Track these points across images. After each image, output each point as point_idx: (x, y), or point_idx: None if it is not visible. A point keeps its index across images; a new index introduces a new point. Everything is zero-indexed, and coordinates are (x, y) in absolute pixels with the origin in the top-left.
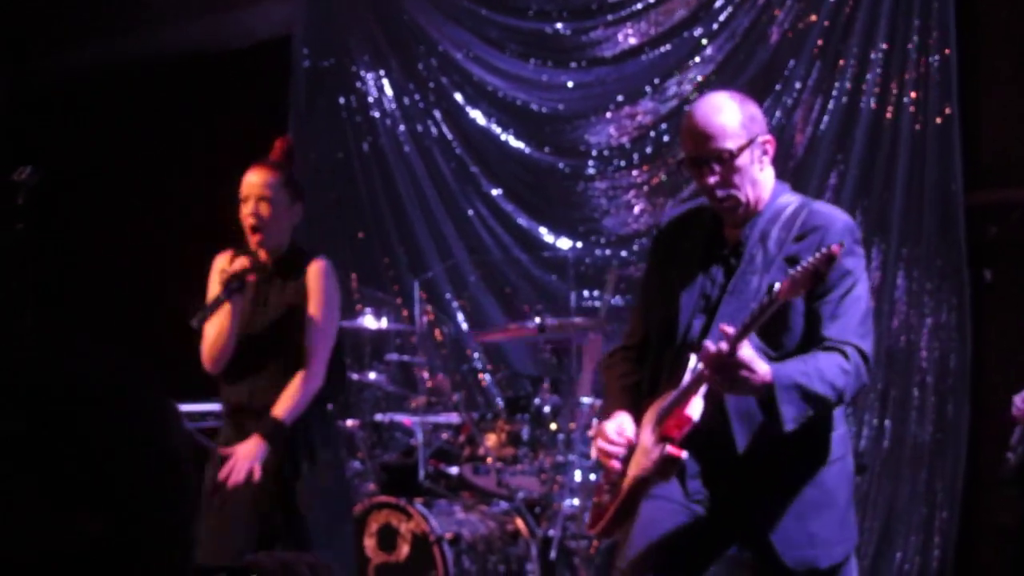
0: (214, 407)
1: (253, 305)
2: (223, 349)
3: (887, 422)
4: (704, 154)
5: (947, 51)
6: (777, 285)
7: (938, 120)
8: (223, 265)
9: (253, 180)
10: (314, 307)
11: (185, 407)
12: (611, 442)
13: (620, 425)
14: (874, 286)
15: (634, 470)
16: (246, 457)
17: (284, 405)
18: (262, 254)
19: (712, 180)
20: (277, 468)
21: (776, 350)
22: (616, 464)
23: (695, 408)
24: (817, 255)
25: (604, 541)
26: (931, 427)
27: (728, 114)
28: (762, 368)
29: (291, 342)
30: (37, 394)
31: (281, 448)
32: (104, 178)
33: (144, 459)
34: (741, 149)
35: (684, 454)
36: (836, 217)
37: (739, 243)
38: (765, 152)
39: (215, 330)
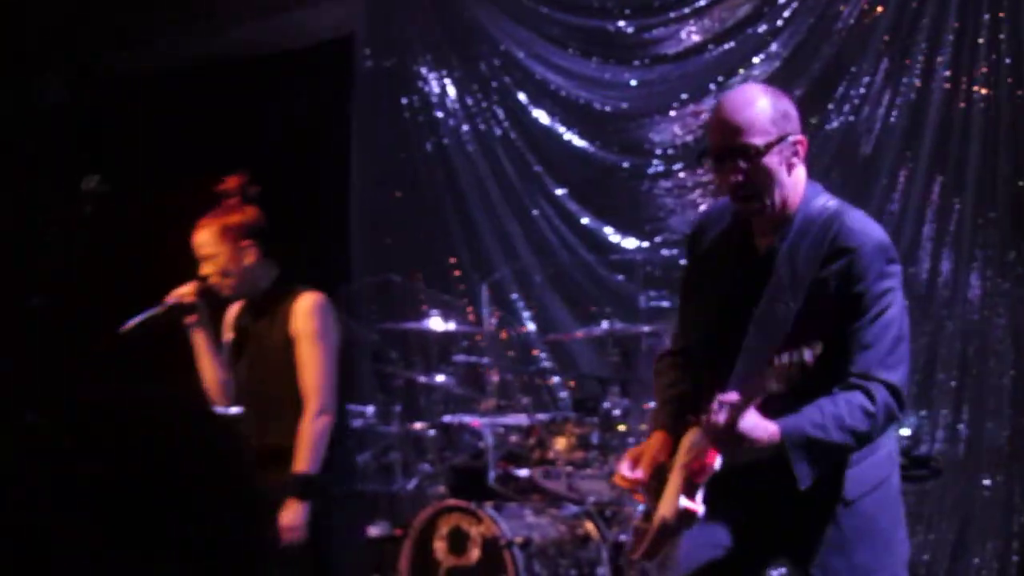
0: None
1: (250, 348)
2: (212, 385)
3: (961, 425)
4: (730, 148)
5: (1018, 44)
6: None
7: (1009, 114)
8: (231, 316)
9: (195, 243)
10: (305, 346)
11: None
12: (625, 479)
13: (637, 459)
14: (948, 285)
15: (662, 509)
16: (292, 528)
17: (303, 456)
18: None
19: (736, 178)
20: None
21: (801, 384)
22: (640, 496)
23: (717, 458)
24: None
25: None
26: (1007, 430)
27: (759, 107)
28: (767, 431)
29: (283, 381)
30: (124, 433)
31: (317, 496)
32: (165, 180)
33: (228, 495)
34: (770, 146)
35: (701, 511)
36: (868, 237)
37: (769, 255)
38: (796, 153)
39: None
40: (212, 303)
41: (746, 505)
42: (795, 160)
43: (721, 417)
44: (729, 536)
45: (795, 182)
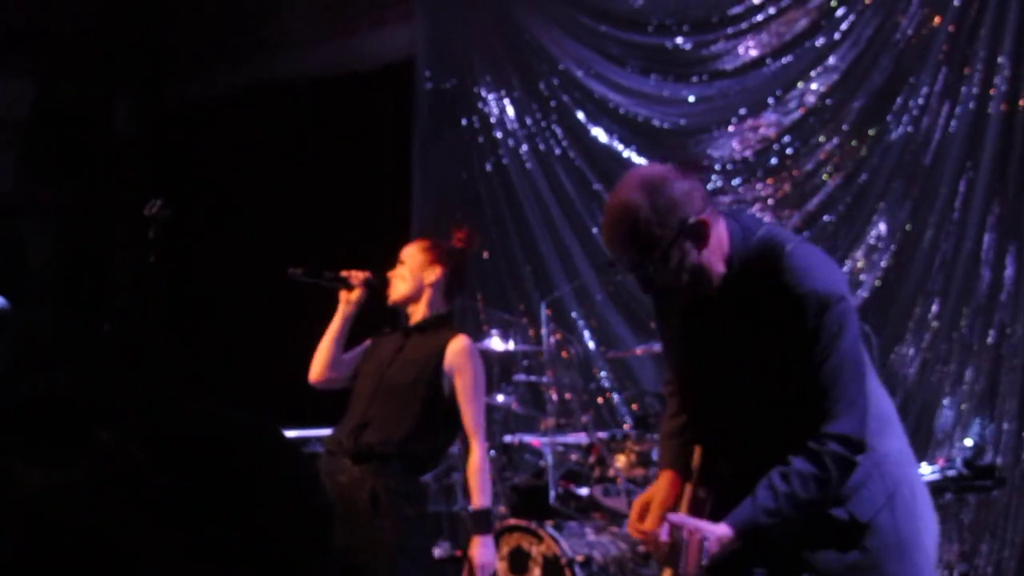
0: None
1: (390, 356)
2: (323, 356)
3: None
4: (632, 265)
5: None
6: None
7: None
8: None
9: (404, 249)
10: (468, 382)
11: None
12: (637, 531)
13: (645, 507)
14: (1010, 293)
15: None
16: (488, 565)
17: (477, 492)
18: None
19: (655, 286)
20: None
21: (762, 416)
22: (650, 547)
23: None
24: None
25: None
26: None
27: (639, 220)
28: (720, 540)
29: (411, 397)
30: (192, 449)
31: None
32: (232, 204)
33: (295, 516)
34: (668, 248)
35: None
36: (808, 284)
37: (713, 304)
38: (700, 233)
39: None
40: (374, 298)
41: (771, 549)
42: (707, 234)
43: (663, 538)
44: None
45: (715, 245)
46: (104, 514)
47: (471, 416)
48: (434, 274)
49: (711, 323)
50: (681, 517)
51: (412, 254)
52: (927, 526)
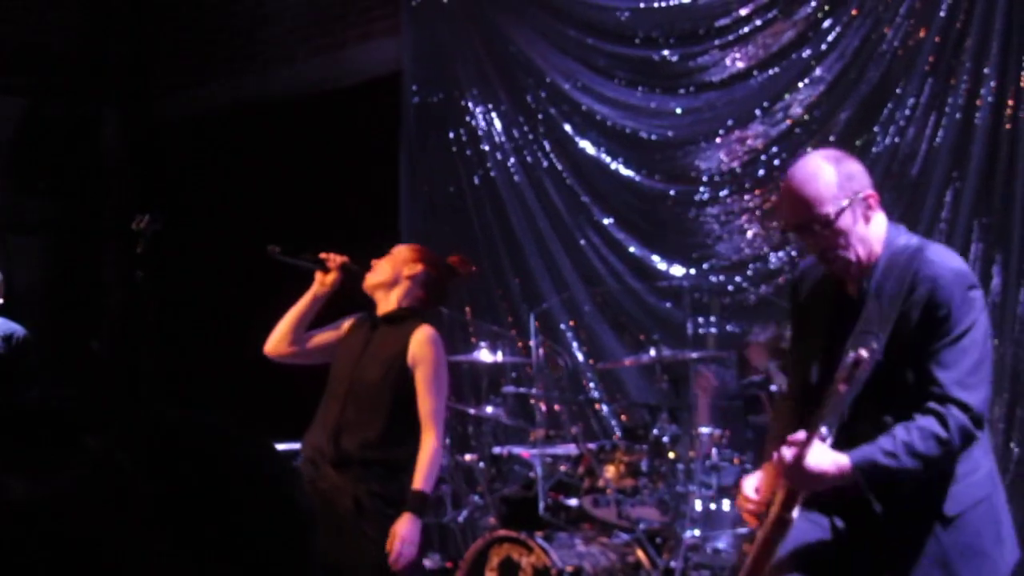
0: None
1: (358, 352)
2: (286, 329)
3: (1013, 444)
4: (804, 222)
5: None
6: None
7: None
8: (348, 324)
9: (395, 247)
10: (427, 372)
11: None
12: (748, 500)
13: (758, 482)
14: (996, 304)
15: (762, 531)
16: (410, 541)
17: (421, 476)
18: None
19: (817, 245)
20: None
21: (889, 405)
22: (754, 521)
23: None
24: (847, 362)
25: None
26: None
27: (823, 178)
28: (837, 464)
29: (385, 399)
30: (180, 457)
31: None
32: (219, 219)
33: (281, 523)
34: (840, 212)
35: (795, 515)
36: (945, 268)
37: (860, 297)
38: (869, 207)
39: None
40: (349, 286)
41: (847, 515)
42: (869, 213)
43: (788, 455)
44: (830, 533)
45: (875, 230)
46: (93, 522)
47: (429, 406)
48: (414, 269)
49: (851, 323)
50: (800, 435)
51: (401, 250)
52: (1003, 550)
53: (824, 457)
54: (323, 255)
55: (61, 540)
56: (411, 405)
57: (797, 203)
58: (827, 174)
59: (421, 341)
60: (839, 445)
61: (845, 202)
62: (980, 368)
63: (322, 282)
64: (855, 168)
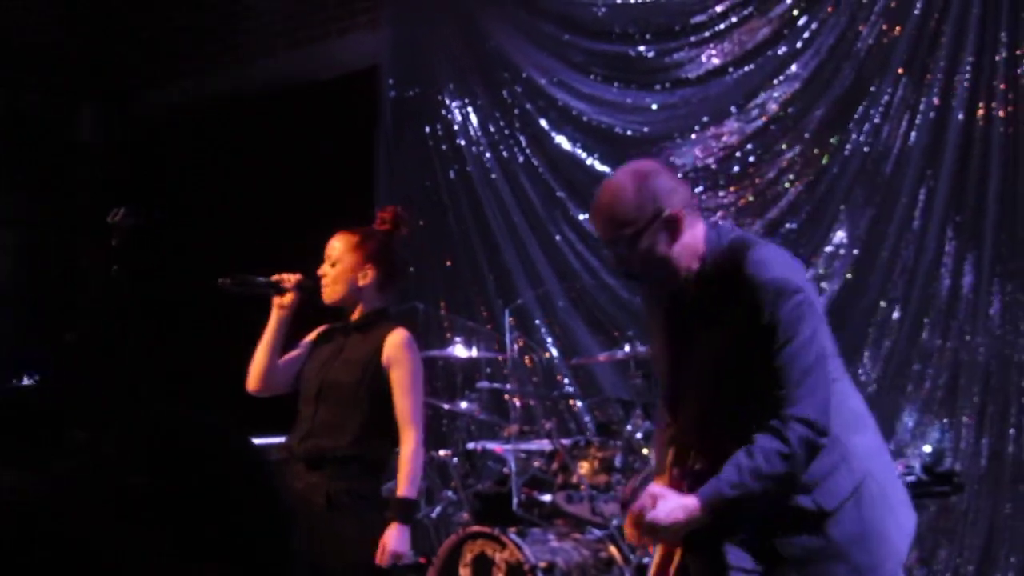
0: None
1: (332, 356)
2: (259, 367)
3: (984, 439)
4: (607, 239)
5: None
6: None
7: None
8: (313, 337)
9: (328, 245)
10: (403, 374)
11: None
12: (629, 535)
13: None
14: (969, 301)
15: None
16: (400, 552)
17: (404, 482)
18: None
19: (622, 262)
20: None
21: (733, 404)
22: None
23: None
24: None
25: None
26: None
27: (624, 199)
28: (686, 509)
29: (354, 398)
30: (166, 450)
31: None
32: (196, 212)
33: (266, 515)
34: (639, 232)
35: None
36: (766, 276)
37: (692, 302)
38: (673, 227)
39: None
40: (309, 302)
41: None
42: (677, 232)
43: (635, 512)
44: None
45: (688, 243)
46: (80, 512)
47: (407, 408)
48: (367, 276)
49: (687, 322)
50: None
51: (342, 255)
52: (896, 520)
53: (671, 505)
54: (276, 277)
55: (49, 530)
56: (386, 405)
57: (600, 221)
58: (627, 195)
59: (395, 344)
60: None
61: (644, 223)
62: (808, 377)
63: (281, 305)
64: (663, 185)
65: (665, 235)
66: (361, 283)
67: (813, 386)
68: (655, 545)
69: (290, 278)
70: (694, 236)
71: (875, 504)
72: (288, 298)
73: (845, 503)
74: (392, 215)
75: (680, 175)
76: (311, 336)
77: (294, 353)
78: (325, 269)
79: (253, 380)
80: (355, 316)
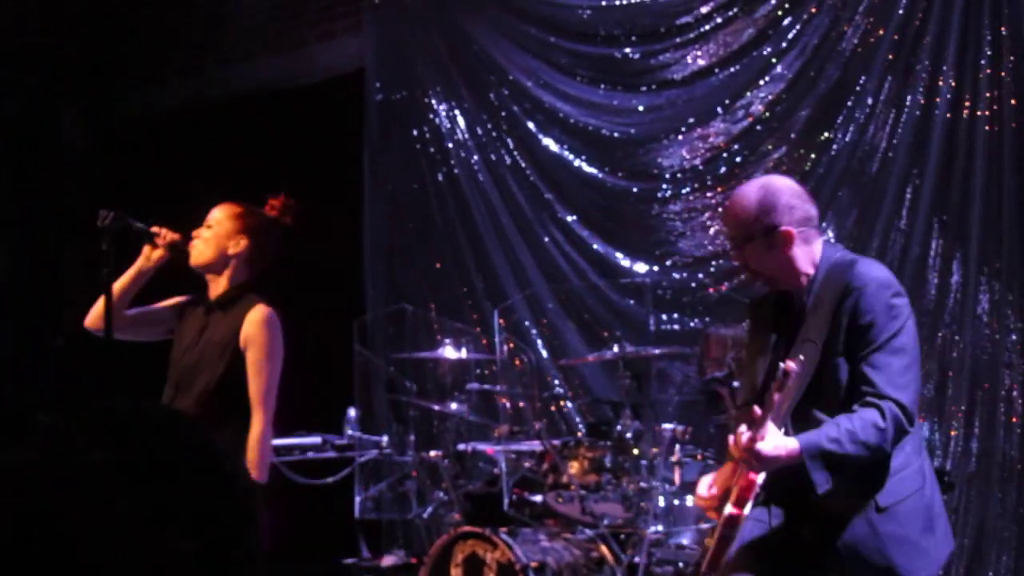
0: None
1: (194, 339)
2: (100, 305)
3: (974, 440)
4: (727, 237)
5: (1014, 58)
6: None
7: (1014, 126)
8: (177, 301)
9: (210, 213)
10: (258, 354)
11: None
12: (701, 497)
13: (712, 480)
14: (956, 300)
15: (718, 528)
16: None
17: (252, 465)
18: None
19: (736, 257)
20: None
21: (827, 406)
22: (714, 514)
23: (759, 474)
24: (778, 373)
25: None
26: (1019, 443)
27: (745, 206)
28: (787, 448)
29: (217, 377)
30: (123, 430)
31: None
32: (181, 216)
33: (222, 485)
34: (750, 238)
35: (746, 511)
36: (872, 277)
37: (800, 312)
38: (784, 241)
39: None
40: (177, 263)
41: (794, 510)
42: (785, 246)
43: (744, 438)
44: (768, 526)
45: (800, 255)
46: (47, 485)
47: (257, 389)
48: (239, 245)
49: (792, 333)
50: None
51: (220, 220)
52: (935, 541)
53: (775, 441)
54: (155, 229)
55: (20, 505)
56: (243, 388)
57: (725, 220)
58: (749, 203)
59: (254, 321)
60: None
61: (758, 232)
62: (909, 370)
63: (147, 256)
64: (784, 202)
65: (773, 246)
66: (231, 251)
67: (912, 380)
68: (756, 471)
69: (167, 235)
70: (806, 252)
71: (919, 518)
72: (157, 253)
73: (897, 505)
74: (281, 203)
75: (668, 176)
76: (171, 302)
77: (154, 308)
78: (200, 232)
79: (92, 318)
80: (217, 292)
